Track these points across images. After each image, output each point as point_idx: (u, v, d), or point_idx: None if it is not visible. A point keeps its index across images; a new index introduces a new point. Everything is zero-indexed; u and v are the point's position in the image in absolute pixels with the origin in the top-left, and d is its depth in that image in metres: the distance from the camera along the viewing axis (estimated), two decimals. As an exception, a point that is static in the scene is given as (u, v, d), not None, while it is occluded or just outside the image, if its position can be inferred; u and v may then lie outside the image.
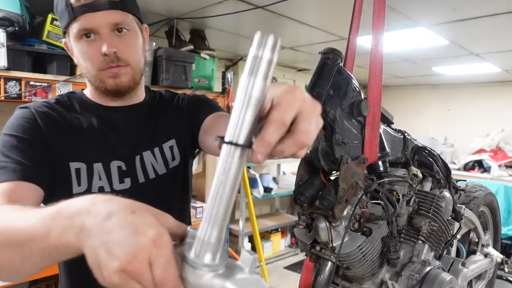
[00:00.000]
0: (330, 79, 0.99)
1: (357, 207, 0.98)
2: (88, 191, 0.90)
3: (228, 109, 2.81)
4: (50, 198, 0.85)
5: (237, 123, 0.39)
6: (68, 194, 0.88)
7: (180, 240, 0.44)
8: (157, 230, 0.41)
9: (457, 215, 1.28)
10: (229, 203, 0.41)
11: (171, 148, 1.04)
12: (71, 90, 1.56)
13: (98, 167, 0.93)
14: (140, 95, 1.05)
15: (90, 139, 0.94)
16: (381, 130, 1.11)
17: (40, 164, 0.84)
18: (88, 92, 1.01)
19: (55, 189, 0.88)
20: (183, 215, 1.11)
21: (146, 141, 1.01)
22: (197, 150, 1.13)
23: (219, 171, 0.40)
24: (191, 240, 0.43)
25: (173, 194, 1.05)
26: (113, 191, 0.93)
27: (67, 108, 0.96)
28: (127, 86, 0.94)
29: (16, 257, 0.50)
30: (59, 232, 0.45)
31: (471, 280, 1.46)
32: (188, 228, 0.46)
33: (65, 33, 0.92)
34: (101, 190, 0.92)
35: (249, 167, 3.95)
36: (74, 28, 0.87)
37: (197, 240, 0.41)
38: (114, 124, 0.99)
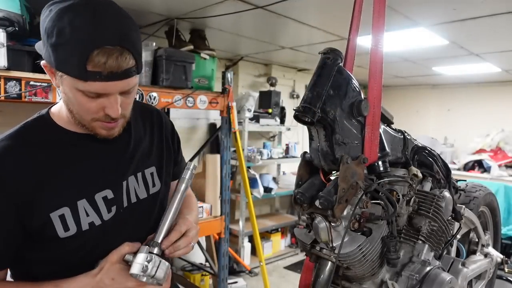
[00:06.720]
0: (330, 79, 0.99)
1: (357, 207, 0.98)
2: (79, 232, 0.86)
3: (228, 109, 2.81)
4: (37, 243, 0.85)
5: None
6: (55, 239, 0.85)
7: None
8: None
9: (457, 215, 1.28)
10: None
11: (151, 174, 1.03)
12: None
13: (82, 204, 0.87)
14: None
15: (69, 177, 0.87)
16: (381, 130, 1.11)
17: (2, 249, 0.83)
18: (59, 116, 0.93)
19: (42, 236, 0.84)
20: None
21: (128, 167, 0.98)
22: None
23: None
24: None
25: (150, 216, 1.03)
26: (104, 222, 0.90)
27: (38, 145, 0.87)
28: (117, 135, 0.92)
29: None
30: None
31: (471, 280, 1.46)
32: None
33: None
34: (91, 225, 0.88)
35: (249, 167, 3.94)
36: (80, 86, 0.79)
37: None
38: (93, 152, 0.93)
